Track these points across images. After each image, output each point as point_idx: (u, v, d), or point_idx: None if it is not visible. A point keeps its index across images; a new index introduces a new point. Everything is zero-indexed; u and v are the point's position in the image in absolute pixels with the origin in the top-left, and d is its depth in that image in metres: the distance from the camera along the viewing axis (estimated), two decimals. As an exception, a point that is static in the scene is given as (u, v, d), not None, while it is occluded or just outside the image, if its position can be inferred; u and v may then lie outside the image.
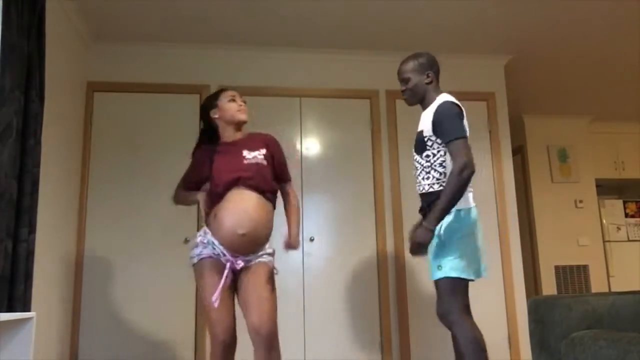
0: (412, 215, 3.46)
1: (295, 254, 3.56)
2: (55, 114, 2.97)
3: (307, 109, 3.83)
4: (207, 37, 3.72)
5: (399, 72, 2.55)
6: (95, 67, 3.69)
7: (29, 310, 2.26)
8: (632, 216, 5.76)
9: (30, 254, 2.30)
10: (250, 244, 2.22)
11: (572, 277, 5.28)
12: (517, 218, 3.97)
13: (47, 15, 2.57)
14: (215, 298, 2.17)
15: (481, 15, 3.52)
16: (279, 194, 2.43)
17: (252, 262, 2.25)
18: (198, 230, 3.56)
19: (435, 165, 2.35)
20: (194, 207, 3.59)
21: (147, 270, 3.47)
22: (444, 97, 2.40)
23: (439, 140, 2.35)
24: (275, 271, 2.32)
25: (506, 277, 3.79)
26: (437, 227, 2.27)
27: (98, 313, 3.37)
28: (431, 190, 2.35)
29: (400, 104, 3.78)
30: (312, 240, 3.64)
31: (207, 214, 2.33)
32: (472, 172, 2.25)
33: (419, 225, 2.44)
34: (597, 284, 5.29)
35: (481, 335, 2.18)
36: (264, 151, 2.35)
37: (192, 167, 2.48)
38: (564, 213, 5.41)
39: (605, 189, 5.98)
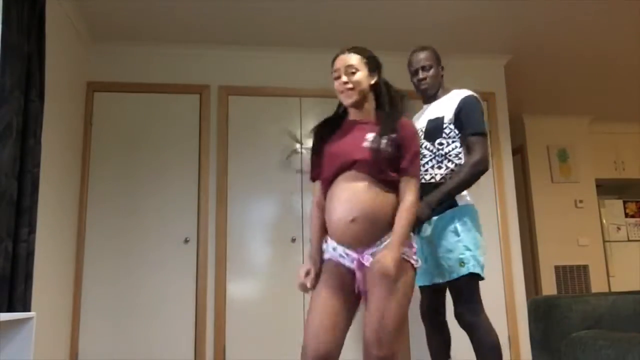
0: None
1: (296, 253, 3.56)
2: (55, 114, 2.96)
3: (307, 109, 3.83)
4: (207, 37, 3.71)
5: (417, 60, 2.46)
6: (95, 67, 3.69)
7: (29, 310, 2.26)
8: (632, 216, 5.76)
9: (30, 254, 2.30)
10: (365, 231, 1.81)
11: (572, 277, 5.28)
12: (517, 218, 3.97)
13: (47, 15, 2.58)
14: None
15: (481, 15, 3.52)
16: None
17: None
18: (198, 230, 3.57)
19: (450, 156, 2.31)
20: (194, 207, 3.59)
21: (147, 270, 3.47)
22: (467, 91, 2.40)
23: (456, 131, 2.32)
24: (412, 261, 1.83)
25: (506, 277, 3.78)
26: (454, 224, 2.22)
27: (98, 313, 3.37)
28: (443, 181, 2.29)
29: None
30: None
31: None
32: (486, 169, 2.27)
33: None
34: (597, 284, 5.29)
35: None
36: (393, 135, 1.88)
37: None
38: (564, 213, 5.41)
39: (605, 189, 5.97)
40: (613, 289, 5.27)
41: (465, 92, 2.39)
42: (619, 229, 5.65)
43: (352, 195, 1.83)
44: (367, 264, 1.79)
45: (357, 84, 1.92)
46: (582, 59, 4.24)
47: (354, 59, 1.94)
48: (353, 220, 1.80)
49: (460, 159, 2.31)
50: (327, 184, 1.93)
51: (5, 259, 2.12)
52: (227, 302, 3.49)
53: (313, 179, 2.05)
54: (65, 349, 3.25)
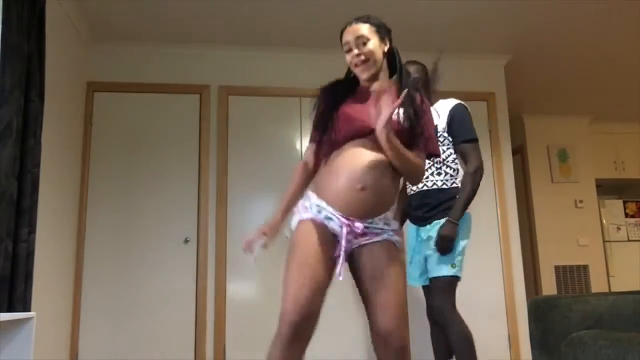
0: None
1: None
2: (55, 114, 2.97)
3: (307, 109, 3.83)
4: (207, 37, 3.71)
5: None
6: (95, 67, 3.69)
7: (29, 310, 2.26)
8: (632, 216, 5.76)
9: (30, 254, 2.30)
10: (373, 202, 1.71)
11: (572, 277, 5.28)
12: (517, 218, 3.97)
13: (47, 15, 2.58)
14: (338, 272, 1.67)
15: (481, 15, 3.52)
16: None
17: (376, 239, 1.72)
18: (198, 230, 3.57)
19: (448, 162, 2.47)
20: (194, 207, 3.59)
21: (147, 270, 3.47)
22: (454, 100, 2.56)
23: (449, 138, 2.48)
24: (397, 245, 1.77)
25: (506, 277, 3.78)
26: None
27: (98, 313, 3.37)
28: (445, 186, 2.45)
29: (400, 104, 3.78)
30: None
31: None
32: (482, 174, 2.43)
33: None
34: (597, 284, 5.29)
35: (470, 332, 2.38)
36: (412, 110, 1.78)
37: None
38: (564, 213, 5.41)
39: (605, 189, 5.97)
40: (613, 289, 5.27)
41: (453, 101, 2.55)
42: (619, 229, 5.65)
43: (364, 163, 1.70)
44: (359, 231, 1.68)
45: (370, 54, 1.80)
46: (582, 59, 4.24)
47: (363, 28, 1.82)
48: (363, 189, 1.67)
49: (456, 164, 2.48)
50: (333, 147, 1.78)
51: (5, 259, 2.13)
52: (227, 302, 3.49)
53: (315, 141, 1.88)
54: (65, 349, 3.25)
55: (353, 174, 1.69)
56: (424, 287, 2.60)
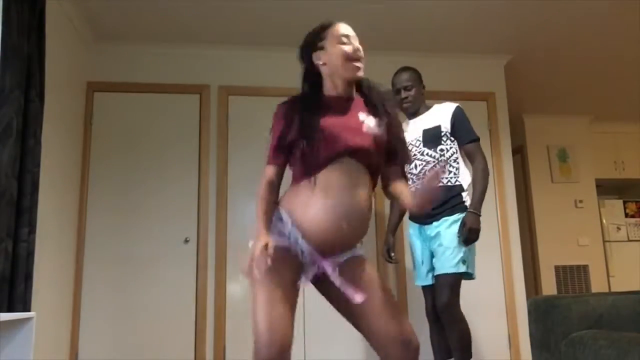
0: (412, 215, 3.46)
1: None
2: (55, 114, 2.96)
3: (307, 109, 3.83)
4: (207, 37, 3.72)
5: (399, 81, 2.70)
6: (95, 67, 3.69)
7: (29, 310, 2.26)
8: (632, 216, 5.76)
9: (30, 254, 2.30)
10: (351, 236, 1.64)
11: (572, 277, 5.28)
12: (517, 218, 3.97)
13: (47, 16, 2.58)
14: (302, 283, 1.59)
15: (481, 15, 3.52)
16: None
17: (343, 259, 1.66)
18: (198, 230, 3.56)
19: (451, 160, 2.56)
20: (194, 207, 3.59)
21: (147, 270, 3.47)
22: (452, 103, 2.66)
23: (451, 138, 2.58)
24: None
25: (506, 277, 3.78)
26: (460, 225, 2.46)
27: (98, 313, 3.37)
28: (449, 184, 2.53)
29: (400, 104, 3.78)
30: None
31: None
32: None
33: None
34: (597, 284, 5.29)
35: None
36: (386, 120, 1.70)
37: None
38: (564, 213, 5.41)
39: (605, 189, 5.97)
40: (613, 289, 5.27)
41: (452, 105, 2.65)
42: (619, 229, 5.65)
43: (351, 191, 1.58)
44: (327, 272, 1.59)
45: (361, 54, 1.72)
46: (581, 59, 4.24)
47: (351, 29, 1.78)
48: (347, 225, 1.56)
49: (457, 163, 2.58)
50: (309, 167, 1.60)
51: (5, 259, 2.13)
52: (227, 302, 3.49)
53: (276, 164, 1.70)
54: (65, 349, 3.25)
55: (337, 208, 1.56)
56: (424, 287, 2.62)
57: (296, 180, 1.66)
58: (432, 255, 2.55)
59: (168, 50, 3.79)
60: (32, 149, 2.36)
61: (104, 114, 3.66)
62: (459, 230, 2.44)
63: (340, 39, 1.73)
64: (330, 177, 1.59)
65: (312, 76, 1.77)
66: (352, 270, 1.62)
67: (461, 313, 2.45)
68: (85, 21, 3.44)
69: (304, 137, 1.62)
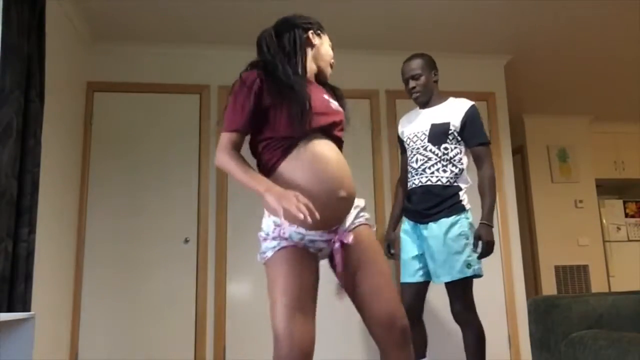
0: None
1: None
2: (55, 114, 2.97)
3: (307, 109, 3.83)
4: (207, 37, 3.71)
5: (407, 70, 2.57)
6: (95, 67, 3.69)
7: (29, 310, 2.26)
8: (632, 216, 5.76)
9: (30, 254, 2.30)
10: (349, 208, 1.67)
11: (572, 277, 5.28)
12: (517, 218, 3.97)
13: (47, 15, 2.57)
14: (339, 292, 1.64)
15: (481, 15, 3.52)
16: None
17: (351, 226, 1.68)
18: (198, 229, 3.56)
19: (454, 161, 2.48)
20: (194, 207, 3.59)
21: (147, 270, 3.47)
22: (468, 101, 2.54)
23: (458, 138, 2.49)
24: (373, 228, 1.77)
25: (506, 277, 3.79)
26: (462, 227, 2.42)
27: (98, 313, 3.37)
28: (448, 184, 2.46)
29: (400, 103, 3.77)
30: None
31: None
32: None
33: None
34: (597, 284, 5.29)
35: None
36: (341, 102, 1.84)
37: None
38: (564, 213, 5.41)
39: (605, 189, 5.98)
40: (613, 289, 5.27)
41: (467, 102, 2.53)
42: (619, 229, 5.65)
43: (340, 163, 1.63)
44: (348, 241, 1.60)
45: None
46: (581, 59, 4.24)
47: None
48: (343, 197, 1.59)
49: (462, 163, 2.50)
50: (291, 142, 1.59)
51: (5, 259, 2.13)
52: (227, 302, 3.49)
53: (240, 131, 1.61)
54: (65, 349, 3.25)
55: (333, 180, 1.58)
56: (405, 284, 2.56)
57: (274, 156, 1.61)
58: (423, 254, 2.49)
59: (168, 50, 3.79)
60: (32, 149, 2.36)
61: (104, 114, 3.66)
62: (473, 244, 2.39)
63: (323, 31, 1.90)
64: (321, 151, 1.61)
65: (294, 45, 1.79)
66: (357, 242, 1.64)
67: (477, 318, 2.42)
68: (85, 21, 3.44)
69: (294, 100, 1.60)
